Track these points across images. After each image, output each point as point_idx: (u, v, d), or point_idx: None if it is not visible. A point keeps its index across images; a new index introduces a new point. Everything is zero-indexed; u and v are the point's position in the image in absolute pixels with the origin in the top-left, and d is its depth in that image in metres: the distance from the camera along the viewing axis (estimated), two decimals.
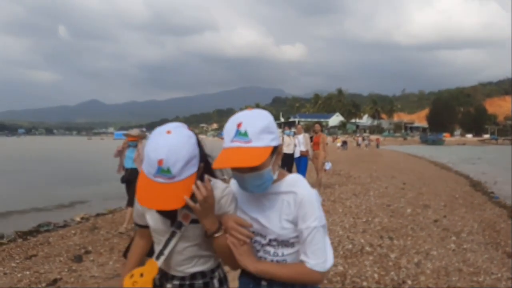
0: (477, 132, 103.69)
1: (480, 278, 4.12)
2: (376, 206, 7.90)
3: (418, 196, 9.28)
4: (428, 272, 4.27)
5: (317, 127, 10.28)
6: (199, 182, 1.35)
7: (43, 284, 4.30)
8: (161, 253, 1.48)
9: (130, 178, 6.32)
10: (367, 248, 5.10)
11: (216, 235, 1.40)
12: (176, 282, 1.51)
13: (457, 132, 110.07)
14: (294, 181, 1.47)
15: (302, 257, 1.41)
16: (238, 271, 1.54)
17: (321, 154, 9.92)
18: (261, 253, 1.48)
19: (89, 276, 4.52)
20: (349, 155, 27.31)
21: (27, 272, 4.70)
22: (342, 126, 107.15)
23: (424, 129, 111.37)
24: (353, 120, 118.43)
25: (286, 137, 10.15)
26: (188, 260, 1.50)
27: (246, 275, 1.51)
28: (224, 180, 1.55)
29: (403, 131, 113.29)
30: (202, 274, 1.52)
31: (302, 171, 9.97)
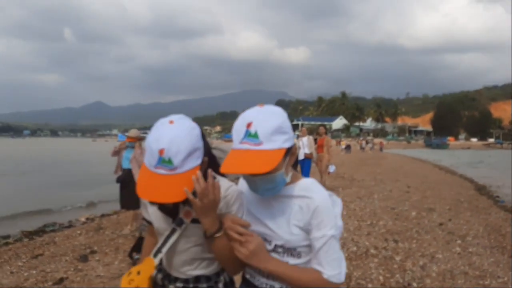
0: (482, 136, 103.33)
1: (486, 281, 4.11)
2: (381, 209, 7.89)
3: (422, 199, 9.25)
4: (434, 275, 4.26)
5: (322, 129, 10.29)
6: (199, 174, 1.26)
7: (50, 283, 4.33)
8: (159, 250, 1.42)
9: (126, 178, 6.22)
10: (372, 251, 5.10)
11: (217, 235, 1.31)
12: (180, 285, 1.45)
13: (462, 136, 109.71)
14: (309, 186, 1.36)
15: (317, 267, 1.29)
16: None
17: (325, 157, 9.93)
18: None
19: (94, 275, 4.55)
20: (352, 158, 27.27)
21: (34, 271, 4.73)
22: (345, 129, 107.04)
23: (428, 133, 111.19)
24: (356, 124, 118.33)
25: None
26: (190, 261, 1.44)
27: (247, 285, 1.41)
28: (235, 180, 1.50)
29: (407, 134, 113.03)
30: (207, 278, 1.44)
31: (305, 173, 9.96)
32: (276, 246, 1.34)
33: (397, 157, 32.45)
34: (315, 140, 10.23)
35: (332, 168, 10.07)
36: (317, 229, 1.29)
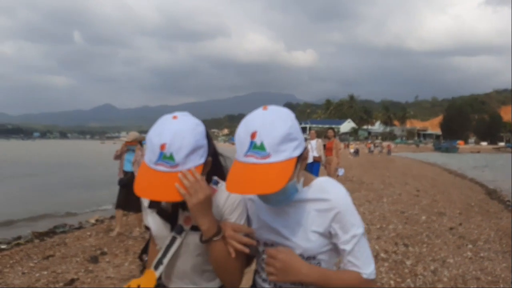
0: (492, 140, 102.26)
1: (499, 287, 4.06)
2: (390, 213, 7.83)
3: (432, 203, 9.17)
4: (445, 280, 4.22)
5: (330, 133, 10.27)
6: (185, 171, 1.17)
7: (61, 284, 4.36)
8: (159, 262, 1.32)
9: (130, 181, 6.23)
10: (382, 255, 5.06)
11: (215, 238, 1.21)
12: None
13: (471, 140, 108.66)
14: (325, 186, 1.27)
15: (353, 269, 1.22)
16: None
17: (334, 160, 9.91)
18: None
19: (105, 277, 4.57)
20: (361, 162, 27.14)
21: (45, 272, 4.77)
22: (353, 133, 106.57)
23: (437, 136, 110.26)
24: (365, 127, 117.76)
25: None
26: (191, 273, 1.34)
27: None
28: None
29: (415, 138, 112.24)
30: None
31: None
32: None
33: (406, 160, 32.24)
34: (324, 145, 10.20)
35: (341, 172, 10.04)
36: (344, 232, 1.21)
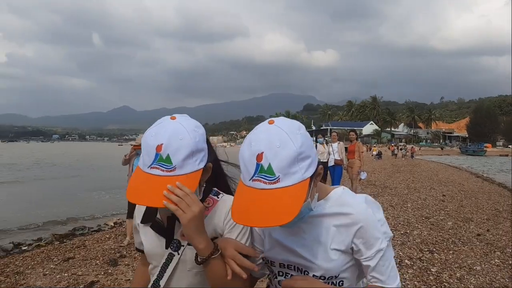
0: None
1: None
2: (415, 218, 7.62)
3: (459, 208, 8.88)
4: None
5: (352, 135, 10.08)
6: (178, 183, 1.05)
7: (81, 286, 4.40)
8: (155, 285, 1.18)
9: None
10: (406, 261, 4.91)
11: (213, 257, 1.09)
12: None
13: (500, 142, 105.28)
14: (344, 199, 1.16)
15: (377, 284, 1.13)
16: None
17: (356, 163, 9.71)
18: None
19: (124, 279, 4.59)
20: (384, 165, 26.66)
21: (65, 274, 4.83)
22: (376, 135, 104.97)
23: (464, 139, 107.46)
24: (388, 129, 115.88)
25: (319, 145, 9.99)
26: None
27: None
28: None
29: (441, 140, 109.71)
30: None
31: (336, 180, 9.79)
32: (314, 276, 1.14)
33: (431, 164, 31.45)
34: (346, 148, 10.02)
35: (363, 175, 9.82)
36: (367, 248, 1.11)
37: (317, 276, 1.13)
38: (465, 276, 4.40)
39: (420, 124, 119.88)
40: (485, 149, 68.26)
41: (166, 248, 1.19)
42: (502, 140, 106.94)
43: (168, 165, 1.05)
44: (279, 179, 0.97)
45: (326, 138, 10.78)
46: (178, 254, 1.18)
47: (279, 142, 0.97)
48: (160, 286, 1.18)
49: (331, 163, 9.86)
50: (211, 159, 1.18)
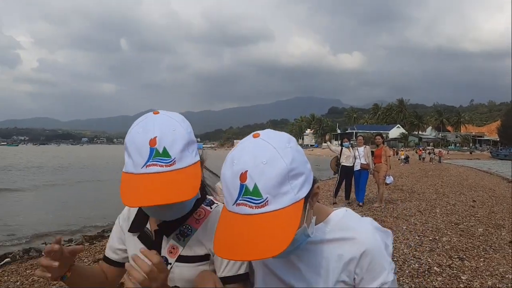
0: None
1: None
2: (444, 224, 7.50)
3: (490, 214, 8.67)
4: None
5: (378, 139, 10.00)
6: (144, 250, 0.97)
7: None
8: None
9: None
10: (435, 268, 4.86)
11: None
12: None
13: None
14: (346, 222, 1.00)
15: None
16: None
17: (383, 168, 9.63)
18: None
19: None
20: (412, 170, 26.18)
21: None
22: (403, 138, 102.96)
23: (494, 143, 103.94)
24: (415, 132, 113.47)
25: (345, 149, 9.92)
26: None
27: None
28: None
29: (470, 144, 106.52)
30: None
31: (362, 184, 9.73)
32: None
33: (460, 169, 30.66)
34: (372, 152, 9.94)
35: (389, 179, 9.73)
36: (371, 279, 0.96)
37: None
38: (496, 285, 4.33)
39: (449, 128, 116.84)
40: None
41: None
42: None
43: (167, 158, 0.95)
44: (267, 201, 0.82)
45: (352, 142, 10.71)
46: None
47: (266, 158, 0.83)
48: None
49: (357, 168, 9.82)
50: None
